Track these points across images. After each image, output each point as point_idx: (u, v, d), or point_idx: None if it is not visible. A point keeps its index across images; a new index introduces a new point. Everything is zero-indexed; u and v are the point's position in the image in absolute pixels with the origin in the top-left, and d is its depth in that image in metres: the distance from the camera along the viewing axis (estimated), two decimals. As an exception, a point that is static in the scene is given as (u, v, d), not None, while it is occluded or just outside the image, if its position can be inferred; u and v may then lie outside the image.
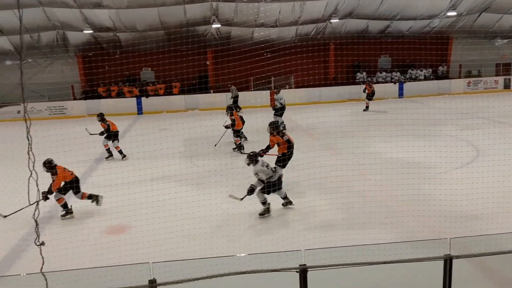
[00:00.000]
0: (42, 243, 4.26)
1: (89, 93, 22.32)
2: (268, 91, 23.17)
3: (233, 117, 13.10)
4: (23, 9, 18.05)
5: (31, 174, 4.06)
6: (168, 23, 20.80)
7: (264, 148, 9.34)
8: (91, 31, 21.12)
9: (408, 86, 25.16)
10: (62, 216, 8.10)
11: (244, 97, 22.23)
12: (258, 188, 7.57)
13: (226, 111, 13.40)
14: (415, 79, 25.72)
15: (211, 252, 5.77)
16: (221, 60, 20.80)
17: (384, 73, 25.72)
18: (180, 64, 18.75)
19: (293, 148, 9.23)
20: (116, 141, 12.75)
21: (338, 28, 23.43)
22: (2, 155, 13.13)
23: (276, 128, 9.35)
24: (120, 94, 23.32)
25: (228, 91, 21.94)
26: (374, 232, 6.51)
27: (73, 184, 8.09)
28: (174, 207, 7.36)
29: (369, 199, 8.07)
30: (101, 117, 12.59)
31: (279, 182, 7.80)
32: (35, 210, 4.12)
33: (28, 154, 4.11)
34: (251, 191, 7.47)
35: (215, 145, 13.40)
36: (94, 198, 8.28)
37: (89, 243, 6.62)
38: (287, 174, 8.65)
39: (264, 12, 20.37)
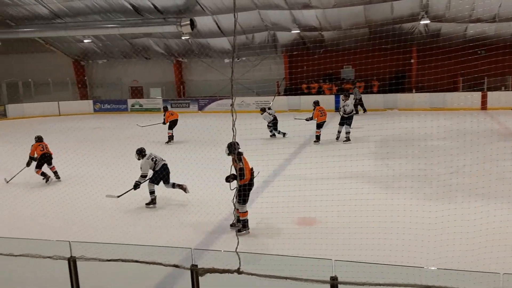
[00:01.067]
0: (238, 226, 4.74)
1: (291, 90, 23.63)
2: (480, 93, 21.00)
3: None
4: (242, 12, 20.10)
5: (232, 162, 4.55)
6: (373, 21, 20.54)
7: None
8: (298, 31, 22.25)
9: None
10: (46, 182, 11.10)
11: (451, 98, 20.62)
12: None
13: (313, 104, 15.04)
14: None
15: (395, 259, 5.56)
16: (427, 59, 19.64)
17: None
18: (382, 62, 18.37)
19: (249, 178, 7.37)
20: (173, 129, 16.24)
21: None
22: (209, 141, 14.73)
23: (232, 151, 7.50)
24: (320, 91, 24.06)
25: (431, 91, 20.61)
26: None
27: (42, 158, 11.15)
28: (361, 208, 7.32)
29: None
30: (165, 110, 16.70)
31: (164, 171, 8.92)
32: (234, 195, 4.61)
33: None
34: (135, 186, 8.68)
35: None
36: (45, 177, 11.16)
37: (278, 231, 7.06)
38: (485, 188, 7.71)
39: (481, 7, 18.44)
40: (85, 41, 25.76)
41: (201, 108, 25.84)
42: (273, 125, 15.90)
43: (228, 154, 7.35)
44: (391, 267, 4.11)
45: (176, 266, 4.43)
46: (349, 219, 6.69)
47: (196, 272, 4.33)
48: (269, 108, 16.09)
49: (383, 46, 18.58)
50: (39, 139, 11.48)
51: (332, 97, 23.29)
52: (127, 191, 8.86)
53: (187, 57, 26.85)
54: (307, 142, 14.81)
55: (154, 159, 9.04)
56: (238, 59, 24.24)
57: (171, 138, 15.95)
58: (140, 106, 27.02)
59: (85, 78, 28.91)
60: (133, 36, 24.79)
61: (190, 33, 21.43)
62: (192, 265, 4.34)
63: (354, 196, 7.69)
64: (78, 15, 22.81)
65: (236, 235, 5.54)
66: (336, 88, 23.69)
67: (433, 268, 5.36)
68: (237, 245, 4.56)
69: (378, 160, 11.78)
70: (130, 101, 27.35)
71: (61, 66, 28.22)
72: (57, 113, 26.24)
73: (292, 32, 22.40)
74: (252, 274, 4.22)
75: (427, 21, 20.12)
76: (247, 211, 7.29)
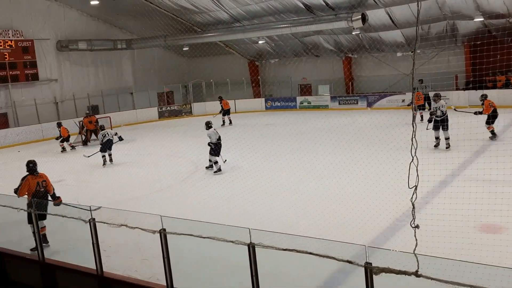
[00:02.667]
0: (417, 226, 4.48)
1: (474, 83, 21.42)
2: None
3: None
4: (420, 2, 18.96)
5: (412, 159, 4.32)
6: None
7: None
8: (482, 19, 20.12)
9: None
10: (71, 149, 18.15)
11: None
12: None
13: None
14: None
15: None
16: None
17: None
18: None
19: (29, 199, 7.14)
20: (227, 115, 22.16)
21: None
22: (383, 140, 14.17)
23: (29, 169, 7.49)
24: (507, 85, 21.37)
25: None
26: None
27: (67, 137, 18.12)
28: None
29: None
30: (220, 99, 22.34)
31: (107, 144, 14.49)
32: (413, 194, 4.36)
33: (412, 140, 4.38)
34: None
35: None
36: (64, 149, 18.22)
37: (459, 235, 6.47)
38: None
39: None
40: (260, 42, 27.30)
41: (370, 105, 25.22)
42: (217, 147, 12.42)
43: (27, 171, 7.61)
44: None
45: (349, 262, 4.37)
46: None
47: (370, 270, 4.23)
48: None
49: None
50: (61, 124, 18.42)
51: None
52: (95, 153, 14.65)
53: (357, 52, 26.44)
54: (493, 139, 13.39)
55: (104, 135, 14.38)
56: (412, 52, 22.96)
57: (227, 122, 20.18)
58: (308, 103, 27.57)
59: (259, 77, 30.62)
60: (304, 35, 25.36)
61: (361, 27, 21.01)
62: (366, 262, 4.24)
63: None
64: (254, 17, 24.29)
65: (415, 236, 5.22)
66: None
67: None
68: (415, 246, 4.32)
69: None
70: (299, 99, 28.08)
71: (238, 67, 30.41)
72: (234, 110, 28.35)
73: (475, 20, 20.32)
74: (432, 279, 3.95)
75: None
76: (44, 227, 7.27)
